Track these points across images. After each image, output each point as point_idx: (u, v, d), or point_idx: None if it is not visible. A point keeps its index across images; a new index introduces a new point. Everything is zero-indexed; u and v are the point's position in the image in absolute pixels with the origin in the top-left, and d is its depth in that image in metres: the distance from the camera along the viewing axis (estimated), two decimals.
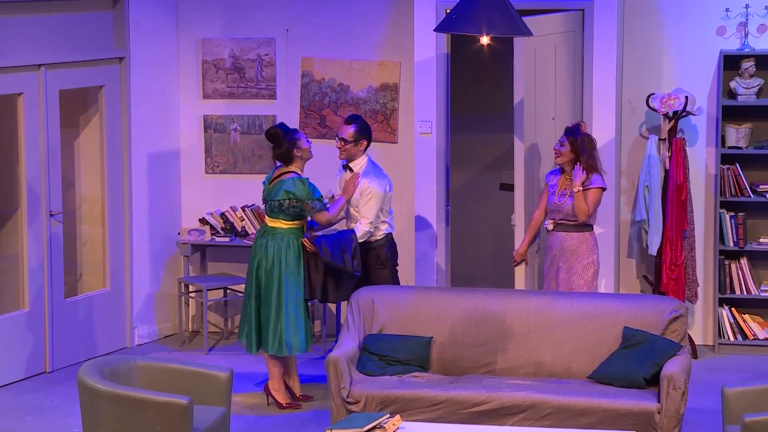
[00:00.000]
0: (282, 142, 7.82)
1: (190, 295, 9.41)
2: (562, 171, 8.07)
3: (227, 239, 9.40)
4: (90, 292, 9.10)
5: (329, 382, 7.12)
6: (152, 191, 9.42)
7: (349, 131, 8.02)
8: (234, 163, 9.64)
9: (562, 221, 8.00)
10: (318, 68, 9.45)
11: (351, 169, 8.09)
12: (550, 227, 8.07)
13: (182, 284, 9.35)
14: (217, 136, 9.64)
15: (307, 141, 7.93)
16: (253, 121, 9.58)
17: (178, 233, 9.55)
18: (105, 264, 9.13)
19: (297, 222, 7.88)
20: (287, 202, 7.76)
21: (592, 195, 7.95)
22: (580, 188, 7.91)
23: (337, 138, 8.10)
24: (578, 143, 7.92)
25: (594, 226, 8.10)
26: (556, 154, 8.01)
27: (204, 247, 9.60)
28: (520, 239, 8.32)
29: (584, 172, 7.93)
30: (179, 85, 9.62)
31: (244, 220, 9.48)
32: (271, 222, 7.88)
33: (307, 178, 7.85)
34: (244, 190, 9.57)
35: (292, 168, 7.85)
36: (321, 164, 9.26)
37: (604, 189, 8.00)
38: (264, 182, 7.99)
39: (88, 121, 9.15)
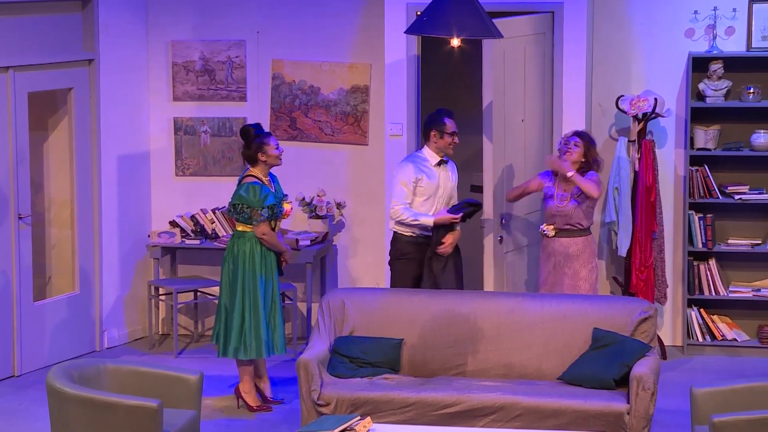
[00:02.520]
0: (251, 143, 7.81)
1: (160, 297, 9.38)
2: (554, 174, 8.07)
3: (197, 242, 9.37)
4: (59, 296, 9.06)
5: (300, 384, 7.12)
6: (122, 194, 9.39)
7: None
8: (204, 166, 9.62)
9: (565, 227, 7.98)
10: (288, 70, 9.44)
11: (446, 163, 8.07)
12: (551, 234, 8.02)
13: (152, 287, 9.32)
14: (188, 139, 9.62)
15: (278, 148, 7.88)
16: (223, 124, 9.56)
17: (148, 236, 9.52)
18: (74, 267, 9.09)
19: None
20: (239, 206, 7.76)
21: (594, 180, 7.96)
22: (574, 173, 7.93)
23: (455, 134, 7.99)
24: (588, 141, 8.04)
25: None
26: (566, 153, 8.00)
27: (174, 250, 9.57)
28: (489, 241, 8.32)
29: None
30: (149, 88, 9.59)
31: (214, 222, 9.46)
32: (239, 226, 7.88)
33: (261, 186, 7.77)
34: (215, 193, 9.54)
35: (254, 171, 7.83)
36: (291, 167, 9.26)
37: (599, 183, 8.03)
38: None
39: (57, 124, 9.11)
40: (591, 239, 8.05)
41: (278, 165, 7.91)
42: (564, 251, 7.98)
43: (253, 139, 7.79)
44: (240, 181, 7.87)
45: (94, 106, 9.11)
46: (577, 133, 8.12)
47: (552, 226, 8.01)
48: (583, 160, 8.01)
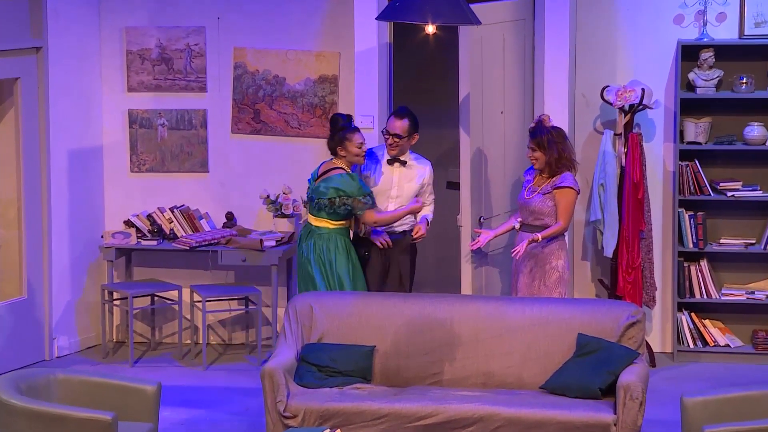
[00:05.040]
0: (335, 134, 7.84)
1: (115, 302, 9.35)
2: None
3: (154, 243, 9.35)
4: (5, 301, 9.02)
5: (265, 395, 7.11)
6: (73, 191, 9.35)
7: (403, 126, 8.07)
8: (161, 161, 9.59)
9: (531, 221, 7.98)
10: (251, 59, 9.42)
11: (403, 163, 8.10)
12: (518, 227, 8.06)
13: (106, 291, 9.29)
14: (143, 132, 9.59)
15: (361, 146, 7.87)
16: (181, 116, 9.54)
17: (101, 236, 9.49)
18: (21, 270, 9.05)
19: (344, 222, 7.89)
20: (338, 200, 7.76)
21: (564, 197, 7.92)
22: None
23: (387, 134, 8.06)
24: (544, 142, 7.92)
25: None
26: (532, 160, 8.01)
27: (129, 252, 9.54)
28: (466, 241, 8.34)
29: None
30: (102, 78, 9.56)
31: (172, 222, 9.43)
32: (315, 221, 7.88)
33: (354, 174, 7.86)
34: (173, 190, 9.52)
35: (339, 163, 7.88)
36: (254, 162, 9.24)
37: (576, 191, 7.96)
38: (309, 179, 7.99)
39: (3, 116, 9.07)
40: (555, 239, 7.98)
41: (359, 164, 7.94)
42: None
43: (338, 130, 7.81)
44: (323, 173, 7.84)
45: (42, 97, 9.07)
46: (531, 134, 8.03)
47: (520, 220, 8.04)
48: (555, 157, 7.91)
